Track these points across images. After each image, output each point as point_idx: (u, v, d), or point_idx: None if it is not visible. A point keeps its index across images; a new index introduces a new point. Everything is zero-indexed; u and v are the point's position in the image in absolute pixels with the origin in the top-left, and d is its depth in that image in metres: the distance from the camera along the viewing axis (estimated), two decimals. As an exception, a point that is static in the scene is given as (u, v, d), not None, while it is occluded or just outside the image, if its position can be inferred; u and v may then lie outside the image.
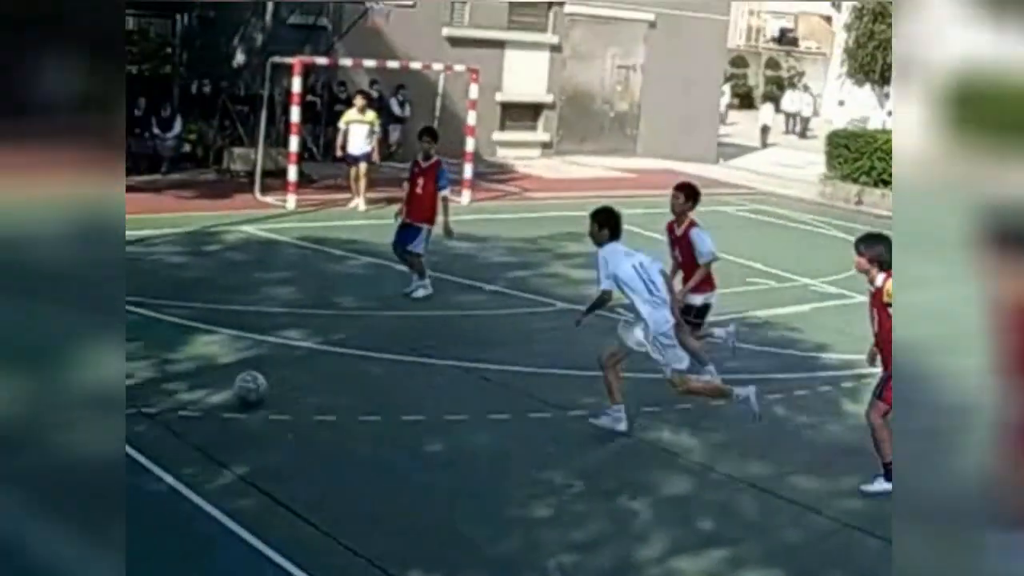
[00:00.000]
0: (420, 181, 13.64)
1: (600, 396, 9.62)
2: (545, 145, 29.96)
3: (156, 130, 22.51)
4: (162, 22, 25.59)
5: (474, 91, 21.57)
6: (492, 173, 25.89)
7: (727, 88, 43.48)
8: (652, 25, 30.99)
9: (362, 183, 19.78)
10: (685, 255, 10.71)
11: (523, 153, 29.09)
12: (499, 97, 28.27)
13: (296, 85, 19.76)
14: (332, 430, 9.08)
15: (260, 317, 12.35)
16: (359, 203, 19.67)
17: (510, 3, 28.24)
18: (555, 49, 29.61)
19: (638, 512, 8.05)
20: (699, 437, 9.56)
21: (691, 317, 10.39)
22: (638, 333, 9.12)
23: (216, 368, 10.50)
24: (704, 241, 10.63)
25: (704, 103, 32.28)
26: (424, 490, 8.15)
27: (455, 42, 26.77)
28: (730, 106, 46.44)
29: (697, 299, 10.67)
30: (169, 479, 7.91)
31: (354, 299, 13.41)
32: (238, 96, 23.91)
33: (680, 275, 10.67)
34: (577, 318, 9.67)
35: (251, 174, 21.18)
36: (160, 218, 17.55)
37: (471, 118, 21.65)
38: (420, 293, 13.61)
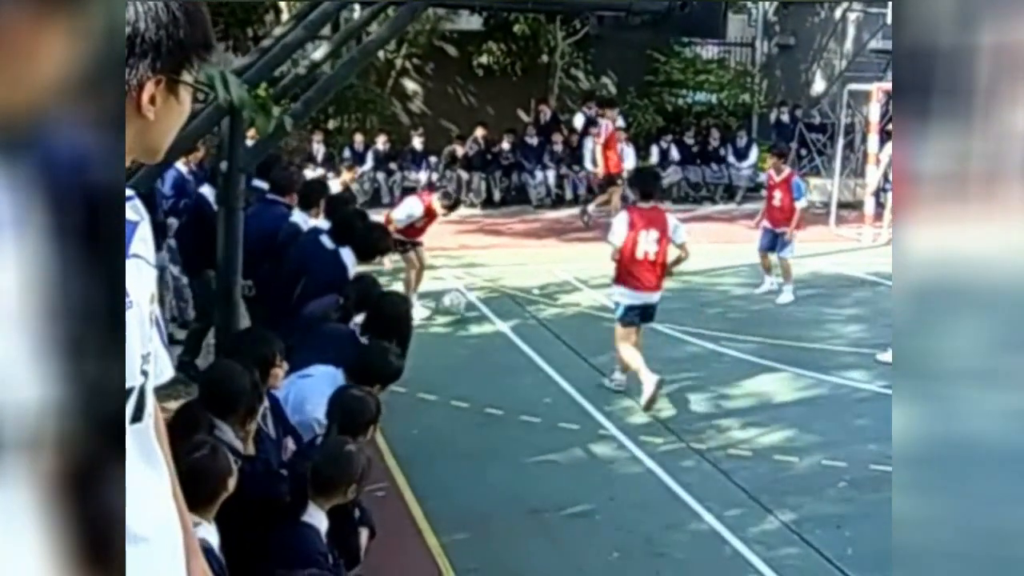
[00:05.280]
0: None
1: None
2: None
3: (731, 159, 22.63)
4: (741, 50, 25.78)
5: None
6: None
7: None
8: None
9: None
10: None
11: None
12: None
13: (875, 113, 19.05)
14: (886, 481, 8.43)
15: (824, 356, 11.87)
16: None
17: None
18: None
19: None
20: None
21: None
22: None
23: (771, 407, 10.18)
24: None
25: None
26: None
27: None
28: None
29: None
30: (711, 519, 7.67)
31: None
32: (814, 124, 23.52)
33: None
34: None
35: (827, 205, 20.71)
36: (731, 248, 17.58)
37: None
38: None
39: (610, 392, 10.37)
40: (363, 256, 8.07)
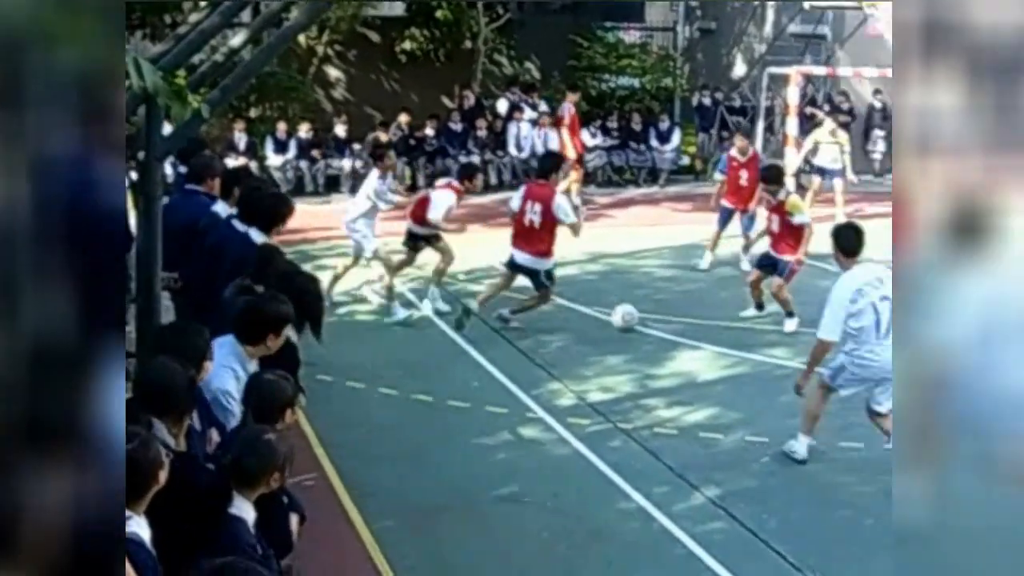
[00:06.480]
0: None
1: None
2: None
3: (654, 143, 22.78)
4: (663, 35, 25.90)
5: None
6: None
7: None
8: None
9: (839, 199, 18.81)
10: None
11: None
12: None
13: (793, 96, 19.26)
14: (809, 455, 8.55)
15: (747, 334, 12.02)
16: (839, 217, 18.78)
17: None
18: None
19: None
20: None
21: None
22: None
23: (697, 385, 10.31)
24: None
25: None
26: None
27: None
28: None
29: None
30: (639, 498, 7.76)
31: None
32: (735, 108, 23.73)
33: None
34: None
35: (748, 186, 20.89)
36: (655, 231, 17.69)
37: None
38: None
39: (536, 375, 10.43)
40: (267, 229, 7.90)
